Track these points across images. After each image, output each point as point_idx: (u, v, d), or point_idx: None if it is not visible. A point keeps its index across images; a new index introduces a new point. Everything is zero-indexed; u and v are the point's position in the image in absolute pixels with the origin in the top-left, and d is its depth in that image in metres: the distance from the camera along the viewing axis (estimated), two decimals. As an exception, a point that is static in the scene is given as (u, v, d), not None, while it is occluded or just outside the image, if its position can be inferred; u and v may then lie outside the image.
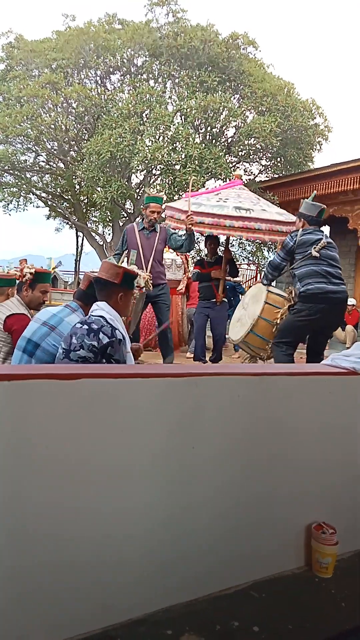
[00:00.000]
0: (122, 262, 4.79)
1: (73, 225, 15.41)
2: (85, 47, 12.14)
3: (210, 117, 10.82)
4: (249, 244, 12.58)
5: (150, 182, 12.17)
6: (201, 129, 11.74)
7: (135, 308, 4.30)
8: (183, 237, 4.64)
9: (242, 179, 6.05)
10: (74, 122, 11.92)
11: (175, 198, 10.79)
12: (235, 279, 7.53)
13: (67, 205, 14.90)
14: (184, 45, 11.24)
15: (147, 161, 9.87)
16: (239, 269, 9.54)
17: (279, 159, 12.32)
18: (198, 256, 11.36)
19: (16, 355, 2.56)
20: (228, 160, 11.20)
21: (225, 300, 5.77)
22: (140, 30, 11.99)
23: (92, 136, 11.22)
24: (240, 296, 9.40)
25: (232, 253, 7.33)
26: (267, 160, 12.72)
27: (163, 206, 5.34)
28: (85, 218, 15.21)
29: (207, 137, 11.70)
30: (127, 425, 1.50)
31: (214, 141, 11.48)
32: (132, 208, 12.62)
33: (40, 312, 2.74)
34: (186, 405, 1.62)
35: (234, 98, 11.89)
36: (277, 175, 12.08)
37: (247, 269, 14.41)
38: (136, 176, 12.54)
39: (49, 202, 14.64)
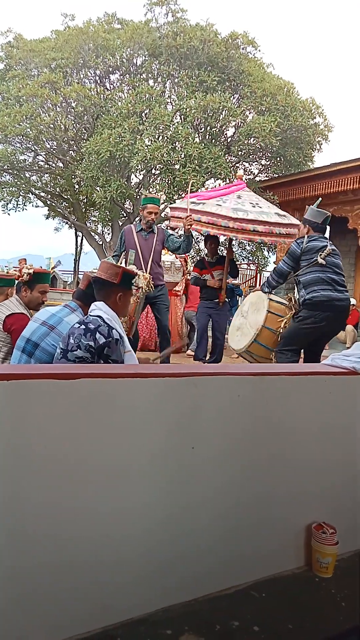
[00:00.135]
0: (121, 263, 4.78)
1: (72, 225, 15.40)
2: (84, 47, 12.13)
3: (210, 117, 10.81)
4: (248, 244, 12.58)
5: (150, 181, 12.16)
6: (201, 129, 11.73)
7: (137, 308, 4.29)
8: (181, 239, 4.62)
9: (244, 180, 6.04)
10: (73, 122, 11.91)
11: (174, 198, 10.78)
12: (234, 281, 7.52)
13: (67, 204, 14.88)
14: (183, 44, 11.23)
15: (146, 161, 9.86)
16: (239, 269, 9.53)
17: (278, 159, 12.30)
18: (198, 256, 11.36)
19: (15, 355, 2.56)
20: (228, 160, 11.17)
21: (227, 300, 5.78)
22: (139, 30, 11.98)
23: (91, 136, 11.21)
24: (238, 298, 9.40)
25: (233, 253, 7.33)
26: (267, 160, 12.70)
27: (164, 207, 5.34)
28: (85, 218, 15.19)
29: (207, 136, 11.69)
30: (125, 425, 1.50)
31: (213, 141, 11.47)
32: (132, 208, 12.61)
33: (40, 311, 2.74)
34: (185, 405, 1.62)
35: (234, 98, 11.87)
36: (277, 175, 12.08)
37: (247, 269, 14.41)
38: (135, 176, 12.53)
39: (48, 202, 14.62)
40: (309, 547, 1.92)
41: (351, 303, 8.35)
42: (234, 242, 6.43)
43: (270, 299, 4.17)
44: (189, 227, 4.46)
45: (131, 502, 1.53)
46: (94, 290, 2.32)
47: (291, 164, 12.04)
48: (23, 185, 13.18)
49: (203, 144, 10.55)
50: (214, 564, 1.70)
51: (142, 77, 12.27)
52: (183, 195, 7.23)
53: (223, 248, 7.92)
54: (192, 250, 10.88)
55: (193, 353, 6.12)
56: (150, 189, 11.34)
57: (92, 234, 14.71)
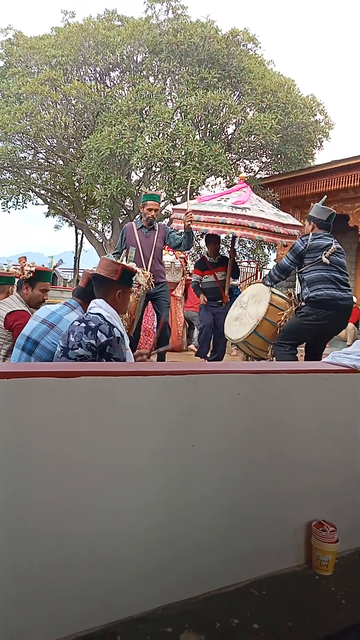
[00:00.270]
0: (122, 260, 4.77)
1: (72, 223, 15.38)
2: (84, 44, 12.10)
3: (210, 114, 10.79)
4: (249, 242, 12.56)
5: (150, 179, 12.14)
6: (201, 126, 11.71)
7: (137, 306, 4.29)
8: (182, 235, 4.62)
9: (246, 182, 6.04)
10: (73, 119, 11.88)
11: (175, 195, 10.77)
12: (234, 282, 7.52)
13: (67, 202, 14.86)
14: (183, 41, 11.19)
15: (146, 158, 9.84)
16: (239, 267, 9.53)
17: (279, 156, 12.28)
18: (198, 254, 11.35)
19: (15, 353, 2.55)
20: (228, 158, 11.15)
21: (229, 300, 5.80)
22: (139, 27, 11.95)
23: (91, 133, 11.19)
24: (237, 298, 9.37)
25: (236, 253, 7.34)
26: (268, 157, 12.68)
27: (164, 205, 5.36)
28: (85, 215, 15.18)
29: (207, 134, 11.66)
30: (126, 424, 1.50)
31: (214, 138, 11.44)
32: (132, 205, 12.59)
33: (40, 309, 2.74)
34: (185, 403, 1.62)
35: (234, 95, 11.84)
36: (277, 173, 12.05)
37: (247, 267, 14.39)
38: (136, 173, 12.51)
39: (49, 200, 14.61)
40: (309, 545, 1.92)
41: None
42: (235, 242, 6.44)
43: (273, 292, 4.17)
44: (189, 223, 4.46)
45: (131, 500, 1.52)
46: (94, 288, 2.31)
47: (292, 162, 12.01)
48: (23, 183, 13.15)
49: (203, 142, 10.53)
50: (214, 562, 1.70)
51: (142, 74, 12.25)
52: (183, 193, 7.22)
53: (224, 246, 7.91)
54: (192, 249, 10.86)
55: (196, 349, 6.19)
56: (151, 187, 11.32)
57: (92, 231, 14.71)
